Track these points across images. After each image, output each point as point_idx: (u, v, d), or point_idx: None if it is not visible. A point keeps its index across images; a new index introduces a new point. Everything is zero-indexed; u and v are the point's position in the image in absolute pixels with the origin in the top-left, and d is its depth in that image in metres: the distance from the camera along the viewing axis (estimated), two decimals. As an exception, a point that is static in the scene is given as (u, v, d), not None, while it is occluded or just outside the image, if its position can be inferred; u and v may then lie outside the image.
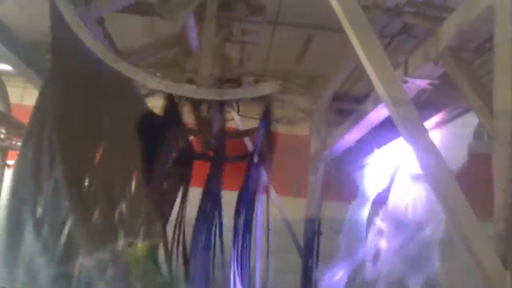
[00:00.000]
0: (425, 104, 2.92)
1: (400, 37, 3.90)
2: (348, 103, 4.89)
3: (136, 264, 3.10)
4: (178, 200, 4.02)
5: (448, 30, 2.42)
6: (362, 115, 3.73)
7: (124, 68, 2.95)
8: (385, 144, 4.27)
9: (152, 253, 3.24)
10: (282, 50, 5.38)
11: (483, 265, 1.87)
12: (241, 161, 4.51)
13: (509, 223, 1.86)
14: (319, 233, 5.36)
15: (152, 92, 3.89)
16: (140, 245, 3.02)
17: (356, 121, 3.89)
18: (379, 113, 3.49)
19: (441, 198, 1.94)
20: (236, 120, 5.35)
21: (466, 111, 2.91)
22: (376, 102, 3.35)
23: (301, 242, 5.53)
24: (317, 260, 5.31)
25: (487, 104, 2.18)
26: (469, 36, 2.32)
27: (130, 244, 2.90)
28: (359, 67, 4.35)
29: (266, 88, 3.02)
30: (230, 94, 2.89)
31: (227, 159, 4.21)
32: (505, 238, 1.86)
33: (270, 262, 4.38)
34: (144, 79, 3.07)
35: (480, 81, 2.33)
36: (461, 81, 2.37)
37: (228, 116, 5.60)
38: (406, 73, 2.89)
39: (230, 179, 4.09)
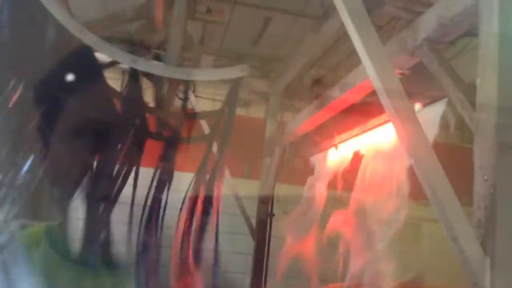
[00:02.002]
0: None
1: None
2: (308, 89, 4.94)
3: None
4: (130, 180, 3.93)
5: (428, 22, 2.48)
6: (326, 102, 3.78)
7: (91, 40, 2.81)
8: (345, 130, 4.37)
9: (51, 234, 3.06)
10: (239, 30, 5.32)
11: (464, 251, 1.96)
12: (198, 142, 4.47)
13: (489, 211, 1.95)
14: (271, 214, 5.44)
15: (111, 65, 3.72)
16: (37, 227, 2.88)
17: (319, 107, 3.93)
18: (345, 100, 3.56)
19: (429, 188, 2.01)
20: (192, 101, 5.25)
21: (433, 101, 3.02)
22: (345, 89, 3.41)
23: (254, 224, 5.57)
24: (269, 242, 5.39)
25: (467, 96, 2.27)
26: (450, 29, 2.39)
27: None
28: (328, 54, 4.42)
29: (236, 71, 3.00)
30: (199, 74, 2.85)
31: (184, 140, 4.16)
32: (485, 226, 1.95)
33: (221, 243, 4.37)
34: (112, 54, 2.94)
35: (458, 74, 2.41)
36: (440, 73, 2.45)
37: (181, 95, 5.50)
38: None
39: (185, 161, 4.06)
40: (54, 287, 2.88)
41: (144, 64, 3.09)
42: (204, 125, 5.13)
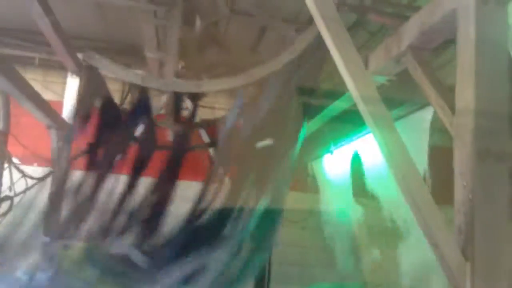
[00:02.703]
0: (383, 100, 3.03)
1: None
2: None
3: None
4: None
5: (411, 30, 2.51)
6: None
7: (103, 64, 2.93)
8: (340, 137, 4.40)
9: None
10: (236, 40, 5.38)
11: (445, 257, 1.98)
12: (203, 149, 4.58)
13: (468, 217, 1.97)
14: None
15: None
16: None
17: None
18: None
19: (408, 195, 2.03)
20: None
21: (421, 107, 3.04)
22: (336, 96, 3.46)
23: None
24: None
25: (447, 102, 2.28)
26: (431, 36, 2.42)
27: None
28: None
29: (242, 79, 3.07)
30: (208, 85, 2.92)
31: (189, 148, 4.26)
32: (465, 231, 1.97)
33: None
34: (124, 75, 3.06)
35: (440, 80, 2.43)
36: (422, 79, 2.47)
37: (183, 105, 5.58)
38: (366, 69, 2.98)
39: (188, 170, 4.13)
40: None
41: (153, 81, 3.21)
42: (203, 134, 5.18)
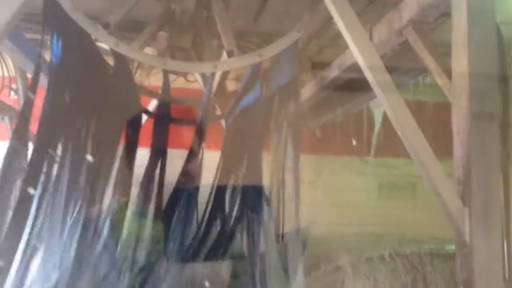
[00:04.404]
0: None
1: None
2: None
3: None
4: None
5: (411, 5, 2.78)
6: (327, 78, 4.10)
7: (125, 50, 3.08)
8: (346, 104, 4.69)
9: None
10: (238, 9, 5.50)
11: (446, 203, 2.32)
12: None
13: (465, 170, 2.30)
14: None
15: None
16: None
17: (321, 82, 4.26)
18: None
19: (414, 153, 2.36)
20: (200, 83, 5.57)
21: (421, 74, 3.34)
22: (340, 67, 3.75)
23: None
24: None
25: (445, 69, 2.58)
26: (429, 11, 2.70)
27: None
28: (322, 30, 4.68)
29: (253, 57, 3.27)
30: (224, 65, 3.10)
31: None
32: (463, 181, 2.30)
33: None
34: (147, 59, 3.20)
35: (437, 49, 2.72)
36: (422, 49, 2.76)
37: (191, 78, 5.82)
38: (370, 41, 3.26)
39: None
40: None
41: (173, 63, 3.39)
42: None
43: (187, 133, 4.60)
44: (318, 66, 4.90)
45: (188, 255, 3.90)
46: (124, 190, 3.91)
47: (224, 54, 3.16)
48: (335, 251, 4.37)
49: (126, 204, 3.81)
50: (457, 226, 2.29)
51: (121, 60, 3.31)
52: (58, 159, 3.15)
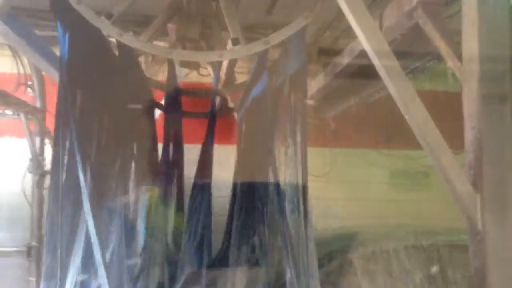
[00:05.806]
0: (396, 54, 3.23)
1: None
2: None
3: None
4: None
5: (420, -14, 2.69)
6: (338, 67, 4.02)
7: (129, 40, 3.07)
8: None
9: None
10: (251, 0, 5.46)
11: (457, 190, 2.23)
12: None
13: (477, 154, 2.21)
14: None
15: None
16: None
17: (333, 72, 4.18)
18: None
19: (423, 139, 2.28)
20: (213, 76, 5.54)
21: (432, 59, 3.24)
22: (352, 54, 3.65)
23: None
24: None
25: (455, 52, 2.48)
26: (440, -8, 2.61)
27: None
28: (334, 21, 4.61)
29: (260, 44, 3.23)
30: (230, 54, 3.07)
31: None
32: (475, 167, 2.21)
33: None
34: (153, 49, 3.19)
35: (449, 32, 2.63)
36: (433, 32, 2.66)
37: (204, 72, 5.81)
38: (381, 26, 3.18)
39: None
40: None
41: (180, 53, 3.38)
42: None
43: (198, 128, 4.61)
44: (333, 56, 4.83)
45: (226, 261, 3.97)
46: (148, 183, 4.02)
47: (229, 42, 3.11)
48: (349, 245, 4.31)
49: (153, 197, 3.91)
50: (469, 214, 2.20)
51: (126, 51, 3.31)
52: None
